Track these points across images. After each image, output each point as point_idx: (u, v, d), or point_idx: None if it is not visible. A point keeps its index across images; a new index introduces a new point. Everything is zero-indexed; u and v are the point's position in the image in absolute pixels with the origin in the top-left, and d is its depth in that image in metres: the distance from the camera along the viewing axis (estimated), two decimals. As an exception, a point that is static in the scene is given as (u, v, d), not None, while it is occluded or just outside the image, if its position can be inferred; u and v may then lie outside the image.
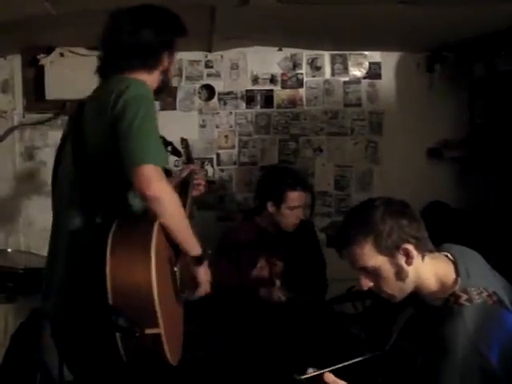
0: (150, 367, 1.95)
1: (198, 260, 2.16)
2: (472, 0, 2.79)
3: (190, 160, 2.92)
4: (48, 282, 2.14)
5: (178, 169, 3.18)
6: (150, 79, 2.22)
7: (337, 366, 1.85)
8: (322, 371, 1.84)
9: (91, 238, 1.97)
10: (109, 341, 1.85)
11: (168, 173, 2.18)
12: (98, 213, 2.03)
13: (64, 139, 2.24)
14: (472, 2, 2.82)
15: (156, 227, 1.94)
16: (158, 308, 1.81)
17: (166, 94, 2.35)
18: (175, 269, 2.09)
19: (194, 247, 2.14)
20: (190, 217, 2.38)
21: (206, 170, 4.08)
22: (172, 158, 3.50)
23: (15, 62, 4.00)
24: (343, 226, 1.97)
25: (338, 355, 1.99)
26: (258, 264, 3.46)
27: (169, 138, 4.05)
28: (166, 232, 2.03)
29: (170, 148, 2.72)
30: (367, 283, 1.93)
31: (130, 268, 1.83)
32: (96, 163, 2.04)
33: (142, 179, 1.90)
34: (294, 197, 3.39)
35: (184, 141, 3.06)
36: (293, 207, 3.40)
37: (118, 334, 1.83)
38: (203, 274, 2.20)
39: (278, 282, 3.36)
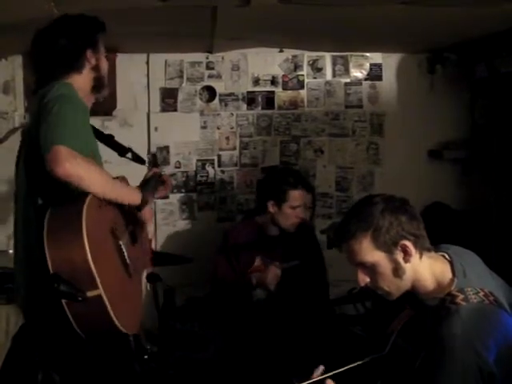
0: (103, 335, 2.03)
1: (139, 208, 2.29)
2: (473, 0, 2.79)
3: (155, 165, 3.03)
4: (16, 278, 2.30)
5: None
6: (82, 79, 2.36)
7: (336, 371, 1.86)
8: (321, 377, 1.84)
9: (37, 221, 2.06)
10: (59, 311, 1.93)
11: None
12: (44, 199, 2.15)
13: (20, 148, 2.39)
14: (473, 3, 2.81)
15: (88, 200, 2.01)
16: (93, 270, 1.89)
17: (105, 89, 2.45)
18: (120, 242, 2.16)
19: (131, 199, 2.25)
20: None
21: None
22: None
23: (16, 63, 4.01)
24: (343, 221, 1.98)
25: (340, 356, 1.99)
26: (254, 264, 3.46)
27: (169, 140, 4.11)
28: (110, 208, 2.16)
29: (130, 155, 2.79)
30: (364, 279, 1.94)
31: (64, 236, 1.93)
32: (37, 162, 2.12)
33: (51, 161, 1.96)
34: (296, 195, 3.40)
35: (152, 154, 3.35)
36: (294, 206, 3.41)
37: (64, 302, 1.92)
38: (147, 212, 2.38)
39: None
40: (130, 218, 2.32)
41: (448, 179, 4.37)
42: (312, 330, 3.23)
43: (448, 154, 4.30)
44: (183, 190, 4.19)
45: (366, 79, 4.33)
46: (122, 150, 2.77)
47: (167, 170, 4.15)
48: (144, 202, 2.29)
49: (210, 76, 4.20)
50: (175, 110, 4.18)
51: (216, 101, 4.22)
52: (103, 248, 2.05)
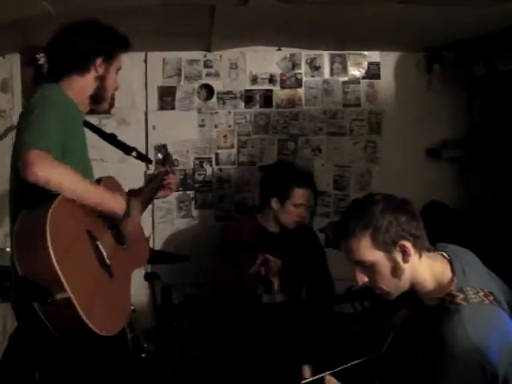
0: (78, 336, 2.01)
1: (124, 216, 2.24)
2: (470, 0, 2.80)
3: (164, 164, 3.02)
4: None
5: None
6: (83, 82, 2.34)
7: (334, 370, 1.86)
8: (320, 375, 1.84)
9: None
10: (33, 313, 1.94)
11: None
12: (26, 200, 2.11)
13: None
14: (472, 2, 2.82)
15: (56, 201, 1.98)
16: (59, 273, 1.87)
17: (104, 104, 2.44)
18: (98, 243, 2.14)
19: (111, 207, 2.19)
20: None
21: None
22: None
23: (14, 61, 4.00)
24: (343, 219, 1.98)
25: (338, 354, 1.99)
26: (256, 262, 3.46)
27: (167, 138, 4.10)
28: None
29: (134, 153, 2.77)
30: (362, 278, 1.93)
31: (31, 239, 1.92)
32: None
33: (22, 167, 1.96)
34: (301, 194, 3.42)
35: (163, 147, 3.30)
36: (298, 204, 3.42)
37: (35, 304, 1.92)
38: (129, 226, 2.31)
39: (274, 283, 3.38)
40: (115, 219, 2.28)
41: (446, 178, 4.37)
42: (311, 328, 3.23)
43: (446, 153, 4.30)
44: (181, 189, 4.18)
45: (363, 78, 4.32)
46: (126, 149, 2.75)
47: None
48: (126, 214, 2.24)
49: (207, 74, 4.20)
50: (173, 109, 4.17)
51: (214, 99, 4.22)
52: (74, 249, 2.02)
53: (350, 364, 1.93)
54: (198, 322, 3.53)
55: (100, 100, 2.41)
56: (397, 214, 1.88)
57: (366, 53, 4.30)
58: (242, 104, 4.24)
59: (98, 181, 2.34)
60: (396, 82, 4.34)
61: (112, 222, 2.27)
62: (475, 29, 3.47)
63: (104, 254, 2.16)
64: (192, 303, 3.73)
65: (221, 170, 4.26)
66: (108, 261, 2.17)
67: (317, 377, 1.84)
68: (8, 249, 3.81)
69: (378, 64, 4.33)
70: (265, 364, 3.03)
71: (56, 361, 2.21)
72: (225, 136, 4.25)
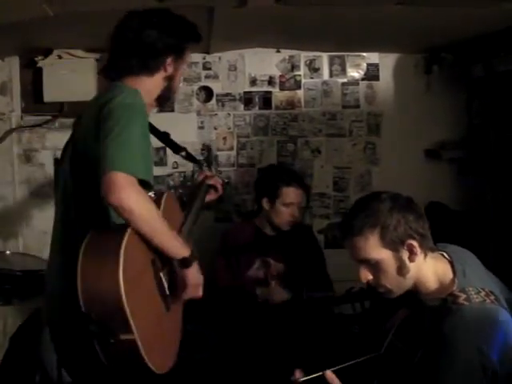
0: (135, 373, 1.92)
1: (183, 263, 2.05)
2: (470, 0, 2.79)
3: (208, 165, 2.92)
4: (47, 286, 2.15)
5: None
6: (151, 83, 2.16)
7: (332, 369, 1.85)
8: (320, 373, 1.84)
9: (75, 247, 1.89)
10: (89, 346, 1.83)
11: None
12: (86, 223, 1.98)
13: (66, 145, 2.22)
14: (470, 3, 2.82)
15: (128, 233, 1.86)
16: (129, 314, 1.77)
17: (169, 102, 2.28)
18: (161, 274, 2.02)
19: (175, 251, 2.03)
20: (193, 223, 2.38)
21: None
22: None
23: (13, 63, 4.00)
24: (349, 216, 1.96)
25: (337, 355, 1.99)
26: (254, 265, 3.46)
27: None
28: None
29: (184, 153, 2.69)
30: (367, 276, 1.93)
31: (99, 276, 1.79)
32: (86, 172, 2.00)
33: (106, 186, 1.81)
34: (288, 192, 3.41)
35: (206, 147, 3.22)
36: (287, 203, 3.41)
37: (95, 341, 1.82)
38: (191, 277, 2.08)
39: (272, 284, 3.38)
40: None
41: (445, 179, 4.37)
42: (311, 329, 3.23)
43: (445, 154, 4.30)
44: (180, 191, 4.18)
45: (362, 79, 4.33)
46: (176, 148, 2.67)
47: (165, 171, 4.16)
48: (190, 260, 2.05)
49: (206, 76, 4.20)
50: (172, 111, 4.16)
51: (213, 101, 4.22)
52: (142, 283, 1.92)
53: (348, 363, 1.92)
54: (197, 323, 3.52)
55: (166, 99, 2.27)
56: (404, 213, 1.88)
57: (364, 54, 4.30)
58: (242, 106, 4.24)
59: (160, 195, 2.18)
60: (395, 83, 4.34)
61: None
62: (474, 30, 3.47)
63: (165, 285, 2.04)
64: (191, 305, 3.73)
65: (220, 171, 4.26)
66: (167, 291, 2.05)
67: (316, 374, 1.83)
68: (8, 252, 3.83)
69: (376, 65, 4.33)
70: (264, 365, 3.03)
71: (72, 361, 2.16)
72: (224, 138, 4.25)
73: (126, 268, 1.79)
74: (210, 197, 2.72)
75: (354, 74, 4.32)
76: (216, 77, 4.21)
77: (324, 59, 4.29)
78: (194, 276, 2.09)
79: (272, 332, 3.20)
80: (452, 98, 4.32)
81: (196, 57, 4.16)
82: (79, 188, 2.04)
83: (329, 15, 3.10)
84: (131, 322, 1.78)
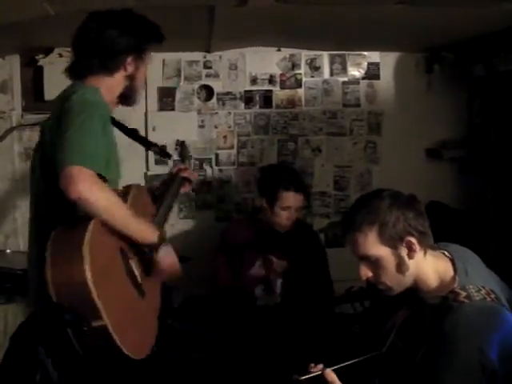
0: (111, 361, 1.96)
1: (152, 246, 2.11)
2: (471, 0, 2.79)
3: (182, 160, 3.00)
4: (28, 280, 2.21)
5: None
6: (112, 82, 2.22)
7: (334, 368, 1.86)
8: (320, 371, 1.84)
9: (46, 241, 1.93)
10: (65, 337, 1.87)
11: None
12: (55, 217, 2.02)
13: (37, 147, 2.27)
14: (471, 2, 2.82)
15: (93, 223, 1.91)
16: (97, 300, 1.81)
17: (133, 101, 2.33)
18: (130, 261, 2.07)
19: (142, 235, 2.07)
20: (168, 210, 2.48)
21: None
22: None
23: (14, 62, 4.00)
24: (350, 213, 1.98)
25: (338, 355, 1.99)
26: (256, 263, 3.47)
27: (167, 138, 4.09)
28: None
29: (156, 149, 2.73)
30: (367, 273, 1.94)
31: (65, 265, 1.84)
32: (55, 174, 2.00)
33: (64, 181, 1.86)
34: (288, 197, 3.40)
35: (181, 142, 3.22)
36: (284, 207, 3.41)
37: (69, 330, 1.86)
38: (163, 258, 2.14)
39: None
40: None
41: (446, 178, 4.37)
42: (312, 329, 3.23)
43: (446, 153, 4.30)
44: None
45: (363, 78, 4.32)
46: (148, 144, 2.70)
47: (165, 170, 4.15)
48: (160, 241, 2.11)
49: (207, 75, 4.19)
50: (173, 109, 4.17)
51: (214, 100, 4.22)
52: (110, 271, 1.95)
53: (349, 362, 1.93)
54: (197, 322, 3.52)
55: (129, 98, 2.30)
56: (404, 210, 1.89)
57: (365, 53, 4.30)
58: (242, 105, 4.24)
59: (127, 188, 2.23)
60: (396, 82, 4.34)
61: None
62: (474, 30, 3.47)
63: (136, 272, 2.08)
64: (192, 304, 3.73)
65: (221, 170, 4.26)
66: (140, 279, 2.09)
67: (316, 373, 1.84)
68: (8, 250, 3.83)
69: (377, 64, 4.33)
70: (265, 365, 3.04)
71: (59, 358, 2.18)
72: (224, 137, 4.25)
73: (91, 254, 1.83)
74: (185, 189, 2.80)
75: (355, 72, 4.32)
76: (217, 75, 4.20)
77: (325, 58, 4.29)
78: (166, 257, 2.15)
79: (272, 332, 3.21)
80: (453, 97, 4.32)
81: (197, 56, 4.16)
82: (49, 188, 2.06)
83: (329, 15, 3.10)
84: (100, 306, 1.82)
